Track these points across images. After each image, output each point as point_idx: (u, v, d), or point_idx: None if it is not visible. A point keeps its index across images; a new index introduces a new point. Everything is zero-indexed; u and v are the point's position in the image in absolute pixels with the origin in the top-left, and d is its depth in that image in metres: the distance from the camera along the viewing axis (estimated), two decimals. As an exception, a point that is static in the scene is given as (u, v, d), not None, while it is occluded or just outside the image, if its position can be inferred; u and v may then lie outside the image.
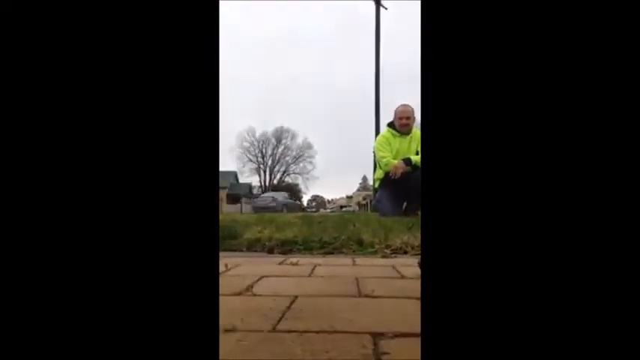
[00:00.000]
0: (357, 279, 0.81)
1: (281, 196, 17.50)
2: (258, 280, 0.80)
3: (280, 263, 1.05)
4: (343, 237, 1.42)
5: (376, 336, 0.47)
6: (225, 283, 0.77)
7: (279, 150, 36.65)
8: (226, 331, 0.48)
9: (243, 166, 35.78)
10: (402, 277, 0.85)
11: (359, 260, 1.10)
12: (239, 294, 0.69)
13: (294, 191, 36.06)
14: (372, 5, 6.02)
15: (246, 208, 22.48)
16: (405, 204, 3.31)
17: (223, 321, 0.51)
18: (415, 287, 0.73)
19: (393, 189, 3.22)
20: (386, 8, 6.05)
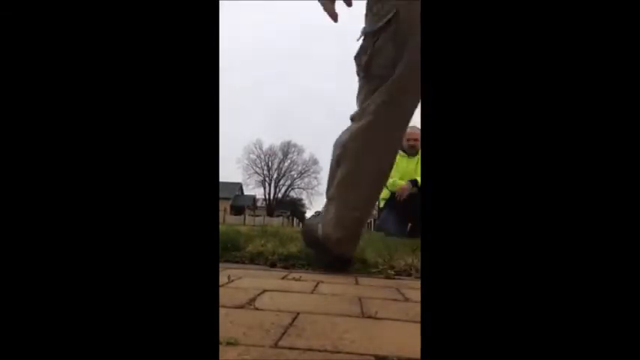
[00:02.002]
0: (360, 299, 0.80)
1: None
2: (260, 294, 0.79)
3: (283, 278, 1.05)
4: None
5: (380, 359, 0.46)
6: (227, 296, 0.76)
7: (285, 164, 36.84)
8: (228, 344, 0.47)
9: (249, 178, 35.94)
10: (406, 299, 0.84)
11: (362, 280, 1.09)
12: (241, 307, 0.68)
13: (297, 206, 36.00)
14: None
15: (249, 220, 22.52)
16: (409, 225, 3.30)
17: (226, 334, 0.51)
18: (419, 311, 0.72)
19: (399, 210, 3.21)
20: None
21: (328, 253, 1.13)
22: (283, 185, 36.77)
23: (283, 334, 0.54)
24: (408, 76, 0.97)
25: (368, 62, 1.02)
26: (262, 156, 36.30)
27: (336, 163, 1.12)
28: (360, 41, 1.04)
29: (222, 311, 0.63)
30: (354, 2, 1.04)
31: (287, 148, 36.81)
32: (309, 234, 1.23)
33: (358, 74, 1.06)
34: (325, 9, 1.04)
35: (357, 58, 1.07)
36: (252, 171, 35.70)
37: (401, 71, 0.97)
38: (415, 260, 1.36)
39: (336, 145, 1.15)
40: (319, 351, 0.48)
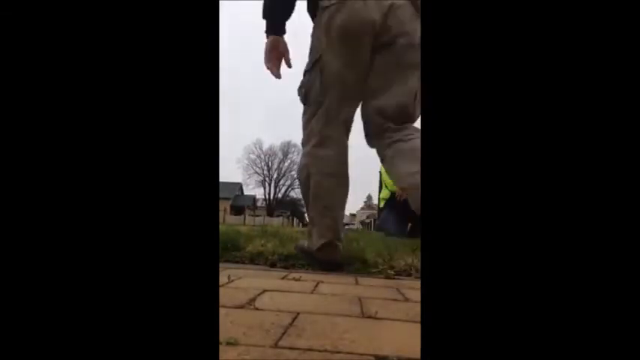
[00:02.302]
0: (360, 299, 0.80)
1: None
2: (260, 294, 0.79)
3: (283, 278, 1.05)
4: (347, 255, 1.41)
5: (380, 359, 0.46)
6: (227, 295, 0.76)
7: (285, 164, 36.81)
8: (228, 344, 0.48)
9: (249, 178, 35.95)
10: (406, 299, 0.84)
11: (362, 280, 1.09)
12: (241, 307, 0.69)
13: (297, 206, 35.99)
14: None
15: (249, 220, 22.55)
16: (409, 225, 3.30)
17: (226, 334, 0.51)
18: (419, 311, 0.72)
19: (399, 210, 3.21)
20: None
21: (318, 262, 1.28)
22: (283, 185, 36.77)
23: (283, 334, 0.54)
24: (335, 103, 1.22)
25: (306, 94, 1.28)
26: (262, 156, 36.34)
27: (305, 187, 1.30)
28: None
29: (222, 311, 0.63)
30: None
31: (287, 148, 36.83)
32: (300, 251, 1.41)
33: (304, 112, 1.32)
34: (271, 72, 1.31)
35: (299, 90, 1.31)
36: (252, 171, 35.74)
37: (329, 101, 1.22)
38: (415, 260, 1.36)
39: (299, 173, 1.34)
40: (319, 351, 0.48)
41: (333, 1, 1.15)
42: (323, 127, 1.23)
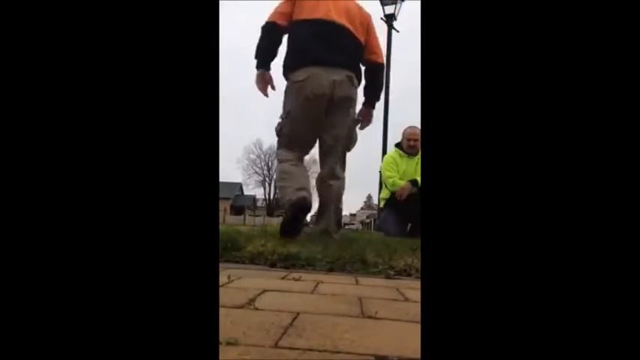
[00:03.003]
0: (360, 299, 0.80)
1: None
2: (260, 294, 0.80)
3: (283, 278, 1.05)
4: (347, 255, 1.41)
5: (380, 359, 0.46)
6: (227, 296, 0.76)
7: (286, 164, 36.72)
8: (228, 344, 0.48)
9: (249, 178, 35.97)
10: (406, 299, 0.84)
11: (362, 280, 1.09)
12: (241, 307, 0.69)
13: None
14: (384, 27, 6.16)
15: (249, 220, 22.58)
16: (409, 225, 3.30)
17: (226, 334, 0.51)
18: (419, 311, 0.72)
19: (399, 210, 3.21)
20: (397, 31, 6.16)
21: (293, 212, 1.77)
22: (283, 185, 36.68)
23: (283, 334, 0.54)
24: (297, 139, 2.01)
25: (280, 129, 2.02)
26: (262, 156, 36.37)
27: (278, 189, 2.00)
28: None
29: (222, 311, 0.63)
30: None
31: (287, 148, 36.71)
32: (282, 224, 1.86)
33: (278, 141, 2.06)
34: (261, 92, 2.03)
35: (276, 128, 2.03)
36: (252, 171, 35.77)
37: (294, 136, 1.99)
38: (415, 260, 1.36)
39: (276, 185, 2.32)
40: (319, 351, 0.48)
41: (299, 79, 1.88)
42: (290, 147, 1.99)
